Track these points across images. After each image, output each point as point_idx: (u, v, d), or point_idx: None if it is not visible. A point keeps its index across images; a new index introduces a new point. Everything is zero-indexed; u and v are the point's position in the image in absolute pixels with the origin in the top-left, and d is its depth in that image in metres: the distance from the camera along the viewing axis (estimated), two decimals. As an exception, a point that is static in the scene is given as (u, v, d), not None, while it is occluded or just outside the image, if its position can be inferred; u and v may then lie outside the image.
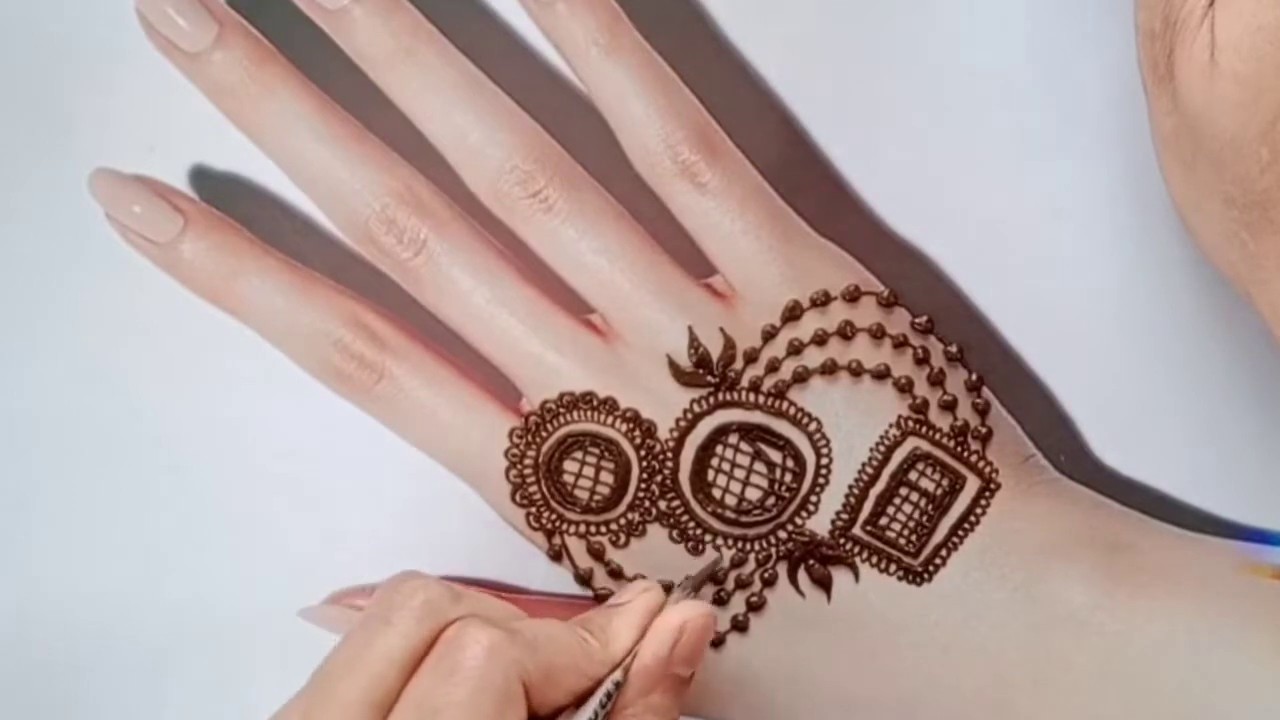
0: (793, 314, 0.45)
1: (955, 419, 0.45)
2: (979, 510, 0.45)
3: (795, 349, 0.45)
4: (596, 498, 0.46)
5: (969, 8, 0.48)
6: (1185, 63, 0.40)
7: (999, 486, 0.45)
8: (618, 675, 0.40)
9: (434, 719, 0.38)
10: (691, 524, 0.45)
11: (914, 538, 0.45)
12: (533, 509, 0.46)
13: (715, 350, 0.45)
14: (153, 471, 0.50)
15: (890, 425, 0.45)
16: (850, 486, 0.45)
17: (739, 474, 0.45)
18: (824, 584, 0.46)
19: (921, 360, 0.45)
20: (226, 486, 0.50)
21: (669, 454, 0.45)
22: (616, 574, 0.46)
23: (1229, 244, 0.41)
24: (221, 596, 0.51)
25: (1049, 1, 0.47)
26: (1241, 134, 0.39)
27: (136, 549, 0.51)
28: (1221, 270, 0.42)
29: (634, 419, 0.45)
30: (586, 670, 0.40)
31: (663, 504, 0.46)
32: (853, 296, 0.45)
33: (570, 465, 0.46)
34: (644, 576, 0.46)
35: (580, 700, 0.40)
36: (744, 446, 0.45)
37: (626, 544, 0.46)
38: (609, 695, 0.39)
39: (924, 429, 0.45)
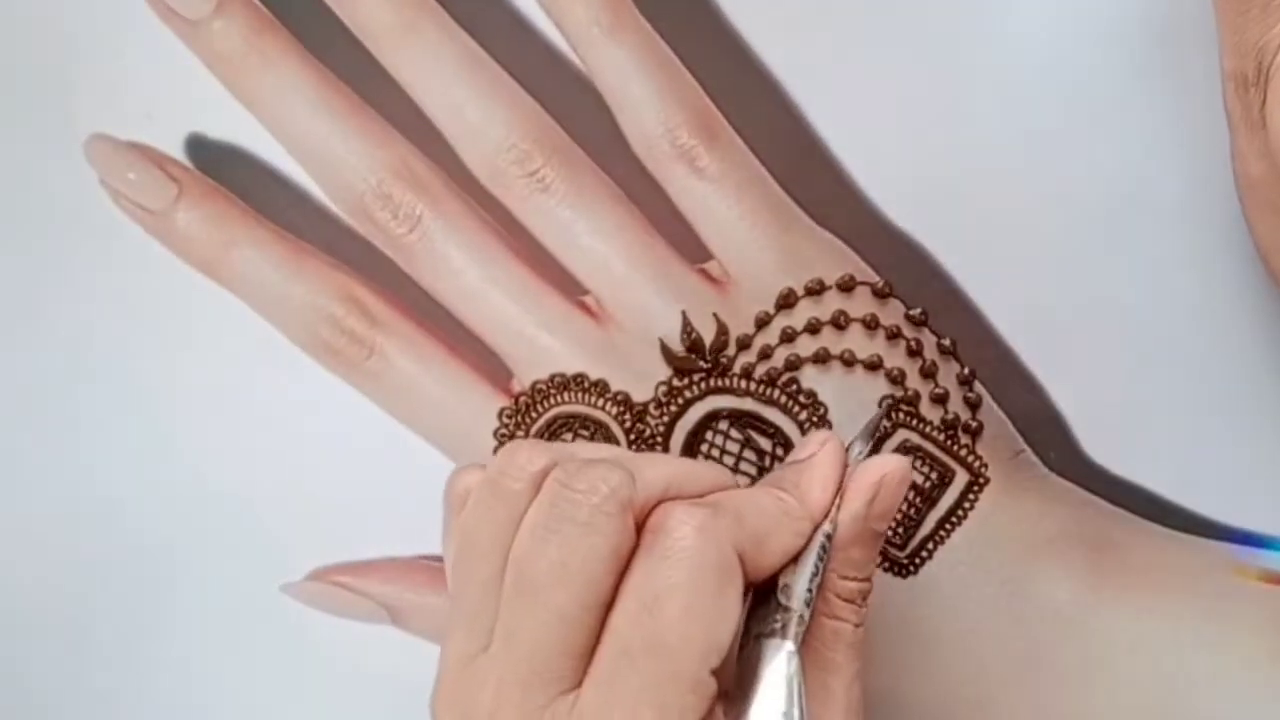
0: (787, 302, 0.45)
1: (946, 412, 0.45)
2: (967, 504, 0.45)
3: (788, 337, 0.45)
4: (585, 480, 0.46)
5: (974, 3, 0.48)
6: (1276, 110, 0.40)
7: (988, 481, 0.45)
8: (828, 527, 0.40)
9: (656, 605, 0.37)
10: (679, 509, 0.45)
11: (901, 530, 0.45)
12: (520, 489, 0.46)
13: (708, 336, 0.45)
14: (137, 442, 0.50)
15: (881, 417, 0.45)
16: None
17: (728, 461, 0.45)
18: (811, 574, 0.45)
19: (914, 352, 0.45)
20: (210, 459, 0.50)
21: (659, 438, 0.45)
22: (602, 556, 0.46)
23: None
24: (201, 570, 0.51)
25: (1053, -3, 0.47)
26: None
27: (117, 520, 0.51)
28: None
29: (625, 402, 0.45)
30: (793, 528, 0.39)
31: (652, 488, 0.45)
32: (847, 286, 0.45)
33: (560, 447, 0.46)
34: None
35: (796, 558, 0.39)
36: (734, 433, 0.45)
37: (613, 527, 0.46)
38: (824, 548, 0.39)
39: (915, 421, 0.45)
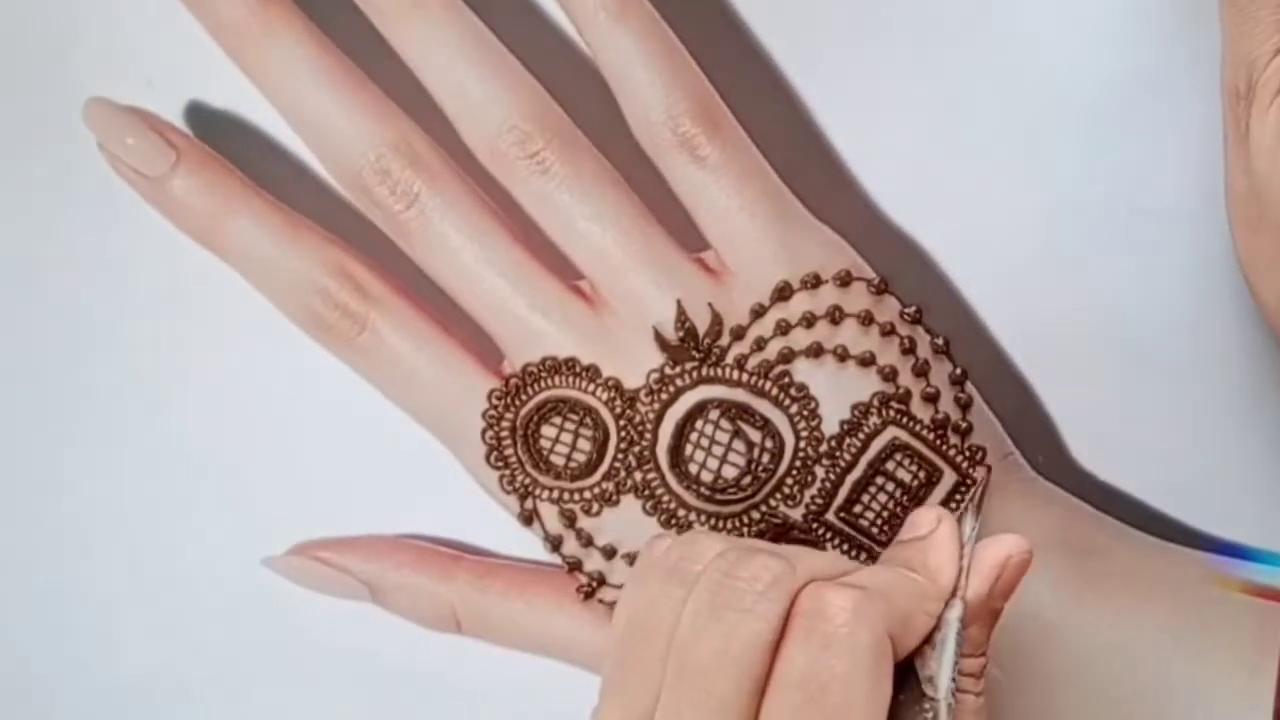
0: (782, 294, 0.45)
1: (937, 411, 0.45)
2: (953, 505, 0.45)
3: (782, 329, 0.45)
4: (572, 464, 0.46)
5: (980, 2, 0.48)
6: (1258, 127, 0.40)
7: (975, 482, 0.45)
8: (958, 610, 0.39)
9: (823, 695, 0.37)
10: (666, 497, 0.45)
11: (886, 528, 0.45)
12: (507, 472, 0.46)
13: (702, 325, 0.45)
14: (122, 411, 0.50)
15: (871, 413, 0.45)
16: (827, 471, 0.45)
17: (717, 451, 0.45)
18: (794, 567, 0.46)
19: (908, 350, 0.45)
20: (196, 428, 0.50)
21: (648, 425, 0.45)
22: (588, 542, 0.46)
23: None
24: (182, 542, 0.50)
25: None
26: None
27: (98, 489, 0.50)
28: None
29: (615, 388, 0.45)
30: (928, 609, 0.39)
31: (638, 475, 0.45)
32: (844, 281, 0.45)
33: (548, 430, 0.46)
34: (617, 547, 0.46)
35: (928, 638, 0.39)
36: (724, 424, 0.45)
37: (599, 513, 0.46)
38: (959, 633, 0.39)
39: (905, 419, 0.45)
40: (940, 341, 0.46)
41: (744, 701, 0.38)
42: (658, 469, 0.45)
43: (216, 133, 0.48)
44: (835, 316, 0.45)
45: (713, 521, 0.45)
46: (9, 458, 0.51)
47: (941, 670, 0.39)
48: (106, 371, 0.50)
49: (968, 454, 0.45)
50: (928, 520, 0.41)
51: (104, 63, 0.48)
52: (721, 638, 0.38)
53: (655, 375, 0.45)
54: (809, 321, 0.45)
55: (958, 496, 0.45)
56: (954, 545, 0.40)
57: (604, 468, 0.46)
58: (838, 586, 0.38)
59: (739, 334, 0.45)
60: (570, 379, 0.45)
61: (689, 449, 0.45)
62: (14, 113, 0.49)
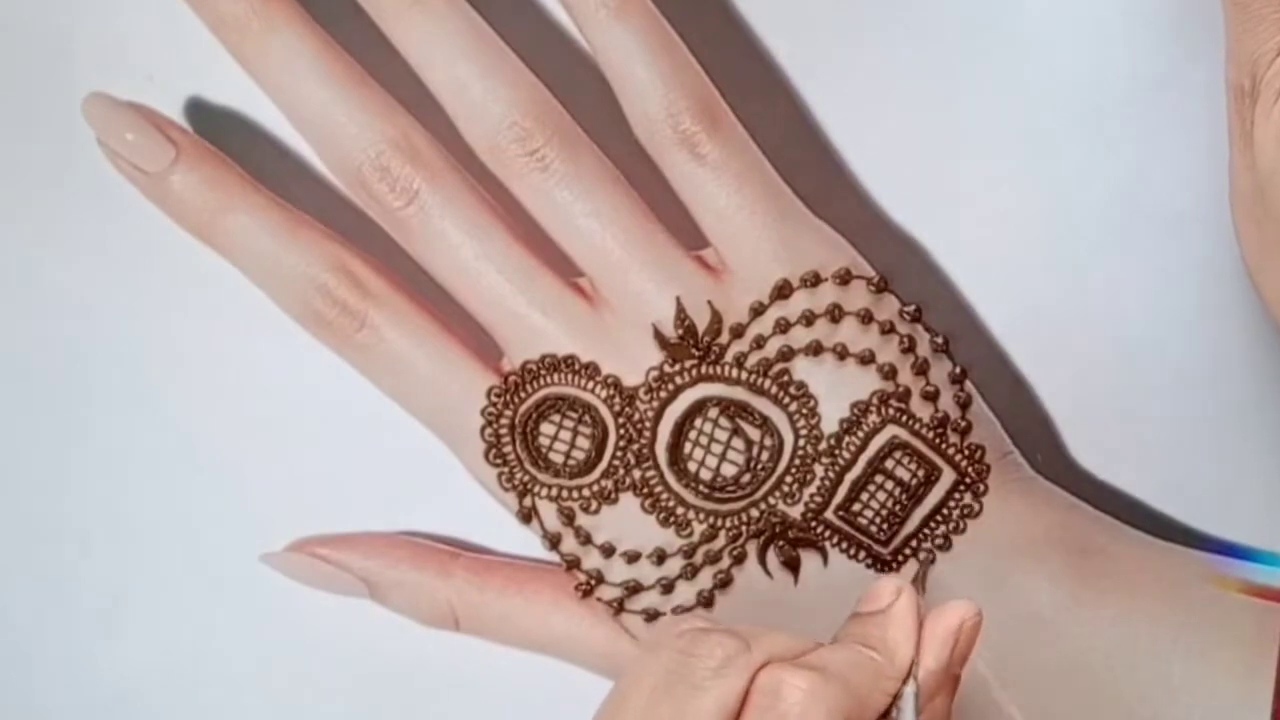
0: (782, 293, 0.45)
1: (936, 410, 0.45)
2: (952, 503, 0.45)
3: (782, 328, 0.45)
4: (571, 462, 0.46)
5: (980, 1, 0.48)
6: (1263, 126, 0.40)
7: (974, 481, 0.45)
8: (913, 686, 0.39)
9: None
10: (665, 495, 0.45)
11: (885, 526, 0.45)
12: (505, 469, 0.46)
13: (702, 323, 0.45)
14: (122, 410, 0.50)
15: (871, 411, 0.45)
16: (826, 469, 0.45)
17: (716, 449, 0.45)
18: (792, 566, 0.45)
19: (907, 349, 0.45)
20: (195, 424, 0.50)
21: (647, 423, 0.45)
22: (586, 540, 0.46)
23: None
24: (181, 538, 0.50)
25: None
26: None
27: (98, 489, 0.50)
28: None
29: (615, 386, 0.45)
30: (884, 688, 0.39)
31: (637, 473, 0.45)
32: (843, 279, 0.45)
33: (547, 428, 0.46)
34: (615, 544, 0.46)
35: (885, 713, 0.39)
36: (723, 422, 0.45)
37: (598, 510, 0.46)
38: (917, 708, 0.39)
39: (904, 418, 0.45)
40: (940, 340, 0.46)
41: None
42: (656, 467, 0.45)
43: (216, 129, 0.48)
44: (835, 314, 0.45)
45: (711, 519, 0.45)
46: (9, 458, 0.50)
47: None
48: (106, 371, 0.50)
49: (967, 452, 0.45)
50: (887, 593, 0.40)
51: (103, 58, 0.48)
52: (672, 711, 0.38)
53: (654, 373, 0.45)
54: (808, 319, 0.45)
55: (956, 495, 0.45)
56: (912, 621, 0.39)
57: (603, 465, 0.46)
58: (795, 667, 0.38)
59: (738, 332, 0.45)
60: (569, 376, 0.45)
61: (688, 447, 0.45)
62: (13, 108, 0.49)
